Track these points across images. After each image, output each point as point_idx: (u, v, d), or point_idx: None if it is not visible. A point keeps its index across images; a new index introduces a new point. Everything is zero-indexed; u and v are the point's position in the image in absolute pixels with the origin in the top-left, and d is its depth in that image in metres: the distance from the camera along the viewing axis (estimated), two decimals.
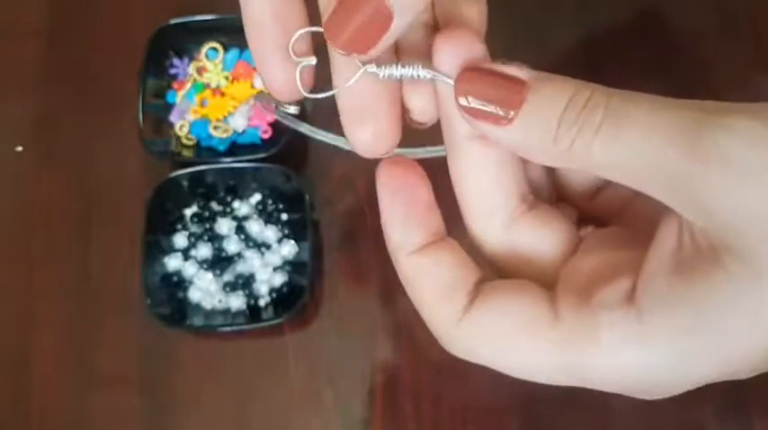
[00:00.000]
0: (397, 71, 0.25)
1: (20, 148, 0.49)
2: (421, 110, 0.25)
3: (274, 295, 0.46)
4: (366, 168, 0.47)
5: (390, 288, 0.45)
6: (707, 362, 0.22)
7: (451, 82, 0.24)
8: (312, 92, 0.25)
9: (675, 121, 0.22)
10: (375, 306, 0.45)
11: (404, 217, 0.25)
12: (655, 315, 0.22)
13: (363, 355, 0.44)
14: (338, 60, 0.24)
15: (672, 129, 0.22)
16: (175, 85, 0.49)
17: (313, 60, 0.25)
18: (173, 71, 0.50)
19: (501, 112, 0.23)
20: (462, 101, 0.24)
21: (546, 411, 0.42)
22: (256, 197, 0.47)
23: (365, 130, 0.26)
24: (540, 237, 0.25)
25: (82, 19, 0.52)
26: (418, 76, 0.25)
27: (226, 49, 0.50)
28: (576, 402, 0.42)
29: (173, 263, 0.46)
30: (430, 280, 0.25)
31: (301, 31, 0.24)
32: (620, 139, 0.22)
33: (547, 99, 0.23)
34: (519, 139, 0.24)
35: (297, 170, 0.46)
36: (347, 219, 0.47)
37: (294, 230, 0.46)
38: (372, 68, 0.25)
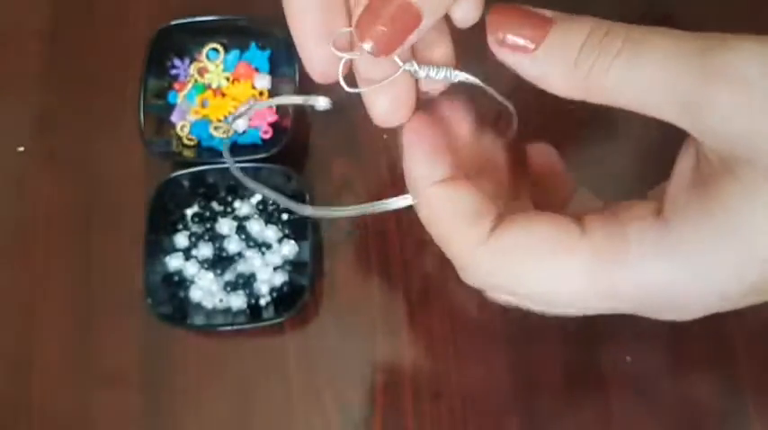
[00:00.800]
0: (433, 72, 0.26)
1: (21, 149, 0.49)
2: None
3: (275, 294, 0.46)
4: (366, 168, 0.48)
5: (391, 287, 0.45)
6: (726, 271, 0.23)
7: (482, 84, 0.27)
8: (351, 86, 0.26)
9: (689, 47, 0.23)
10: (375, 305, 0.45)
11: (429, 151, 0.26)
12: (679, 224, 0.24)
13: (363, 354, 0.44)
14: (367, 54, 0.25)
15: (686, 53, 0.23)
16: (176, 86, 0.50)
17: (356, 55, 0.26)
18: (174, 72, 0.50)
19: (528, 44, 0.25)
20: (493, 34, 0.25)
21: (545, 410, 0.42)
22: (257, 197, 0.47)
23: (384, 99, 0.27)
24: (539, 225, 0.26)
25: (83, 20, 0.52)
26: (451, 77, 0.27)
27: (227, 50, 0.50)
28: (576, 400, 0.42)
29: (174, 262, 0.46)
30: (455, 204, 0.26)
31: (344, 30, 0.25)
32: (638, 65, 0.24)
33: (570, 30, 0.25)
34: (542, 66, 0.25)
35: (297, 170, 0.46)
36: (347, 220, 0.47)
37: (294, 230, 0.47)
38: (410, 67, 0.26)
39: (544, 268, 0.25)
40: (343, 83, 0.26)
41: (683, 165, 0.25)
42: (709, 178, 0.23)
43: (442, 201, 0.26)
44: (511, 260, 0.25)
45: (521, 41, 0.25)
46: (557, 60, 0.25)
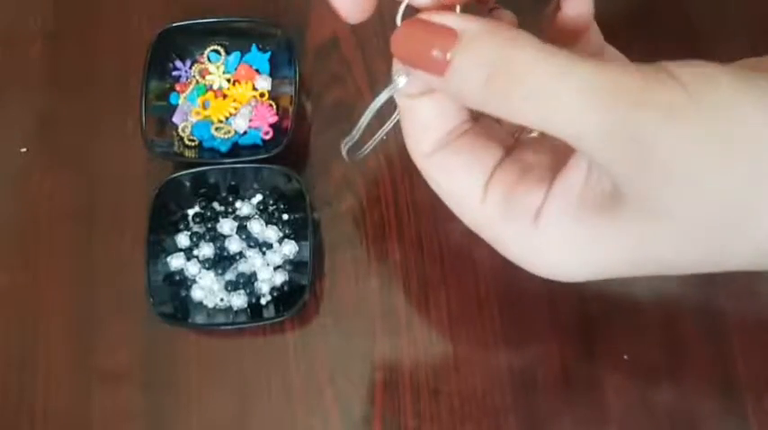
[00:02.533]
0: None
1: (24, 150, 0.50)
2: None
3: (275, 294, 0.46)
4: (366, 169, 0.48)
5: (391, 287, 0.45)
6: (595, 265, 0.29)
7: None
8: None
9: (597, 102, 0.25)
10: (375, 305, 0.45)
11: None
12: (549, 233, 0.29)
13: (363, 353, 0.44)
14: None
15: (593, 107, 0.25)
16: (178, 87, 0.50)
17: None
18: (175, 73, 0.50)
19: (432, 65, 0.27)
20: (399, 61, 0.28)
21: (544, 409, 0.43)
22: (258, 197, 0.48)
23: None
24: (465, 160, 0.31)
25: (86, 22, 0.53)
26: None
27: (228, 51, 0.50)
28: (574, 399, 0.43)
29: (175, 262, 0.46)
30: (414, 114, 0.32)
31: None
32: (541, 110, 0.26)
33: (474, 60, 0.26)
34: (449, 89, 0.28)
35: (298, 171, 0.46)
36: (347, 219, 0.47)
37: (295, 230, 0.47)
38: None
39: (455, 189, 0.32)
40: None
41: (570, 182, 0.28)
42: (598, 202, 0.27)
43: (403, 111, 0.31)
44: (438, 174, 0.32)
45: (430, 61, 0.27)
46: (463, 92, 0.27)
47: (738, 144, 0.24)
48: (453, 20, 0.27)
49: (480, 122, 0.33)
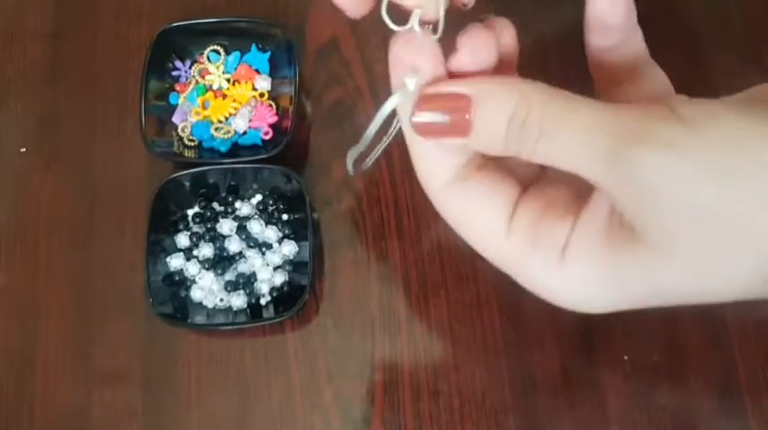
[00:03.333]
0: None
1: (23, 150, 0.50)
2: None
3: (275, 294, 0.46)
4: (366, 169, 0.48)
5: (391, 287, 0.45)
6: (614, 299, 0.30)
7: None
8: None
9: (599, 141, 0.26)
10: (375, 305, 0.45)
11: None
12: (576, 267, 0.29)
13: (363, 353, 0.44)
14: None
15: (596, 146, 0.26)
16: (178, 88, 0.50)
17: None
18: (175, 73, 0.50)
19: (455, 130, 0.28)
20: (418, 134, 0.29)
21: (544, 409, 0.43)
22: (257, 197, 0.48)
23: None
24: (487, 194, 0.31)
25: (85, 22, 0.53)
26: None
27: (227, 51, 0.50)
28: (574, 400, 0.43)
29: (175, 262, 0.46)
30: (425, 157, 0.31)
31: None
32: (554, 152, 0.27)
33: (491, 117, 0.28)
34: (474, 146, 0.29)
35: (297, 171, 0.46)
36: (347, 219, 0.47)
37: (294, 230, 0.47)
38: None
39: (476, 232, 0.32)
40: None
41: (594, 217, 0.28)
42: (620, 235, 0.27)
43: (412, 144, 0.31)
44: (457, 208, 0.32)
45: (450, 129, 0.28)
46: (486, 145, 0.28)
47: (740, 171, 0.24)
48: (463, 85, 0.28)
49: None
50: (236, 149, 0.48)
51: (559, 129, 0.26)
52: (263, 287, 0.46)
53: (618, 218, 0.27)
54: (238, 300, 0.46)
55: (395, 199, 0.47)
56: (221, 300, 0.46)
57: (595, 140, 0.26)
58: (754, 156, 0.24)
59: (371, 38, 0.50)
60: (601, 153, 0.26)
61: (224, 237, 0.47)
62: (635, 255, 0.27)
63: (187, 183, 0.47)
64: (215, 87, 0.50)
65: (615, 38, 0.30)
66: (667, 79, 0.31)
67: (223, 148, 0.48)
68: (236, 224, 0.47)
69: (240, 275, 0.46)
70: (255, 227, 0.46)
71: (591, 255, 0.28)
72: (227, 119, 0.49)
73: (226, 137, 0.48)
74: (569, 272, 0.29)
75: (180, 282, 0.46)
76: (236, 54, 0.50)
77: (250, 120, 0.49)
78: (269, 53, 0.50)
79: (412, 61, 0.28)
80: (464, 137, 0.28)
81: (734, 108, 0.25)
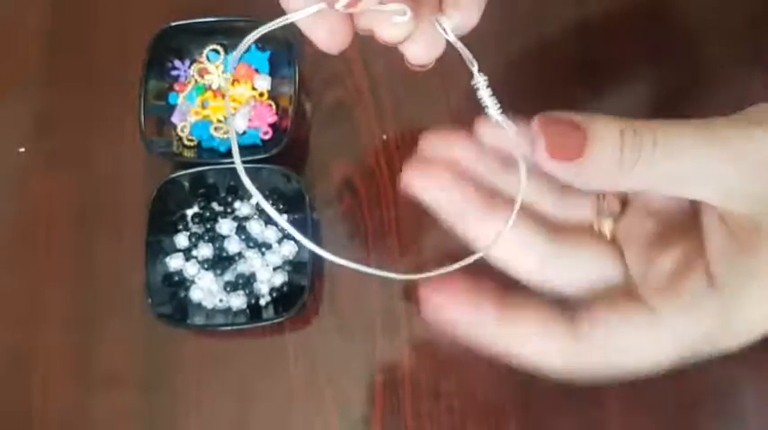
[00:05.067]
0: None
1: (22, 149, 0.50)
2: (415, 56, 0.29)
3: (275, 294, 0.46)
4: (366, 168, 0.48)
5: (391, 287, 0.45)
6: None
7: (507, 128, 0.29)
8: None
9: (707, 134, 0.26)
10: (375, 305, 0.45)
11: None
12: (732, 288, 0.28)
13: (363, 354, 0.44)
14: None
15: (707, 140, 0.26)
16: (177, 87, 0.50)
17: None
18: (174, 73, 0.50)
19: (572, 149, 0.28)
20: (541, 151, 0.28)
21: (543, 409, 0.43)
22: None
23: (322, 27, 0.30)
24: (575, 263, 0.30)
25: (84, 21, 0.52)
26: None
27: (227, 51, 0.50)
28: (574, 400, 0.43)
29: (174, 263, 0.46)
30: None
31: None
32: (671, 155, 0.27)
33: (604, 133, 0.28)
34: (589, 169, 0.28)
35: (297, 171, 0.46)
36: (347, 219, 0.47)
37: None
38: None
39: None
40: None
41: (716, 237, 0.28)
42: (745, 243, 0.27)
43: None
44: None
45: (568, 149, 0.28)
46: (603, 162, 0.28)
47: None
48: (571, 116, 0.28)
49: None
50: None
51: (677, 134, 0.27)
52: (262, 287, 0.46)
53: (735, 227, 0.28)
54: (238, 301, 0.46)
55: (395, 199, 0.47)
56: (221, 300, 0.46)
57: (715, 156, 0.27)
58: None
59: (371, 38, 0.50)
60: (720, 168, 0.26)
61: (223, 237, 0.47)
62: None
63: (186, 184, 0.47)
64: (214, 87, 0.50)
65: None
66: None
67: (222, 148, 0.48)
68: (235, 224, 0.47)
69: (240, 276, 0.46)
70: (255, 227, 0.46)
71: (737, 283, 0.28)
72: (226, 118, 0.49)
73: (225, 137, 0.48)
74: (728, 300, 0.28)
75: (179, 283, 0.46)
76: None
77: (249, 120, 0.49)
78: (269, 52, 0.50)
79: None
80: (578, 157, 0.28)
81: None
